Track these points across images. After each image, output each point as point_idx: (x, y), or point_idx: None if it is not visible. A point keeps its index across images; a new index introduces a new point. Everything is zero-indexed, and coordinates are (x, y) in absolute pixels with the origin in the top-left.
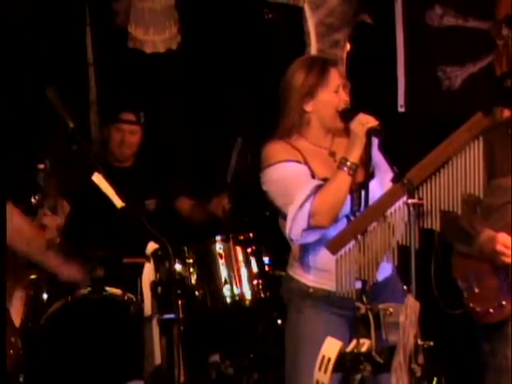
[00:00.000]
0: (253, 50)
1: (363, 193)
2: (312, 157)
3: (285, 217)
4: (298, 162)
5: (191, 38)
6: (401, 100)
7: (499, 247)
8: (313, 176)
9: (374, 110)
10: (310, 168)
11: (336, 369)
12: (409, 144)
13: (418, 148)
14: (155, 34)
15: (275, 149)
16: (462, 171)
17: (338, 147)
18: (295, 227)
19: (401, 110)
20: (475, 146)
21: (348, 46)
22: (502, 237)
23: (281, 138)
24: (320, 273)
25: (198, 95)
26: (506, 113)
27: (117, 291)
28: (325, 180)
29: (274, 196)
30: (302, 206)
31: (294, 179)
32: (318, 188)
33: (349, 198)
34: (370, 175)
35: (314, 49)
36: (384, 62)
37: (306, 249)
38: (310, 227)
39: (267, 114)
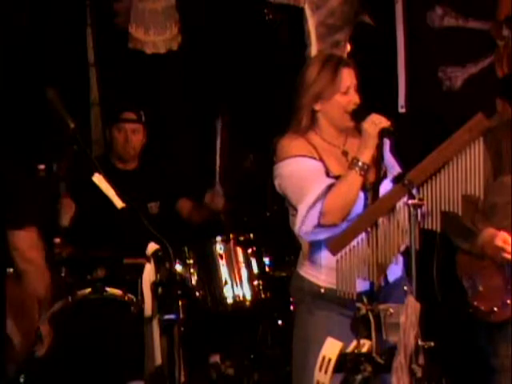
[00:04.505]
0: (253, 50)
1: (372, 193)
2: (327, 154)
3: (295, 213)
4: (313, 158)
5: (192, 39)
6: (401, 101)
7: (499, 242)
8: (327, 173)
9: (374, 110)
10: (324, 165)
11: (336, 369)
12: (409, 145)
13: (419, 149)
14: (156, 35)
15: (291, 143)
16: (462, 172)
17: (351, 147)
18: (305, 224)
19: (401, 110)
20: (475, 147)
21: (348, 47)
22: (503, 234)
23: (297, 133)
24: (332, 272)
25: (198, 96)
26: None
27: (117, 292)
28: (338, 178)
29: (286, 190)
30: (313, 204)
31: (308, 175)
32: (330, 188)
33: (362, 196)
34: (381, 175)
35: (314, 49)
36: (384, 62)
37: (317, 247)
38: (321, 226)
39: (268, 114)
